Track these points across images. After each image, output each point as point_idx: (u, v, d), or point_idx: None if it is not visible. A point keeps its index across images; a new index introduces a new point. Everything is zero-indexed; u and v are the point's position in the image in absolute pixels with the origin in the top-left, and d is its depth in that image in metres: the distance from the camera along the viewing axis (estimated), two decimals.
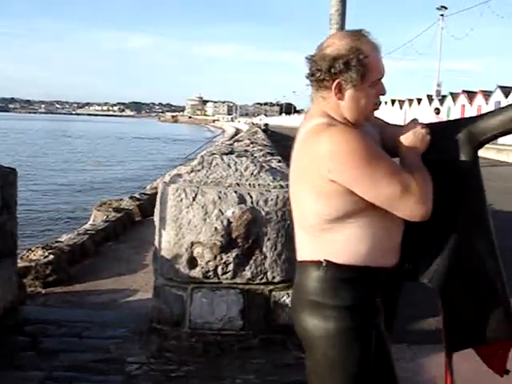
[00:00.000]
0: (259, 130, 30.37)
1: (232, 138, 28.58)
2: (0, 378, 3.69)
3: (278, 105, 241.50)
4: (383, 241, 1.96)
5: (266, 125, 54.18)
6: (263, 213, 4.15)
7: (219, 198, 4.12)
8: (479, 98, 46.08)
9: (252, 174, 4.27)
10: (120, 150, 49.27)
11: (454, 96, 50.11)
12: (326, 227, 1.95)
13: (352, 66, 1.91)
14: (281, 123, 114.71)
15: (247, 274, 4.20)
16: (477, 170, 2.14)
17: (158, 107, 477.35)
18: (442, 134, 2.13)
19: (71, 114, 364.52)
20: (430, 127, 2.11)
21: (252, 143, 11.59)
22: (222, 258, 4.16)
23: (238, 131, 41.21)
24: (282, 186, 4.25)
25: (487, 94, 44.74)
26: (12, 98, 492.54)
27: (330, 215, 1.92)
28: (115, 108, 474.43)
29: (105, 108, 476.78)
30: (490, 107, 42.79)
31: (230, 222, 4.11)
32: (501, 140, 3.19)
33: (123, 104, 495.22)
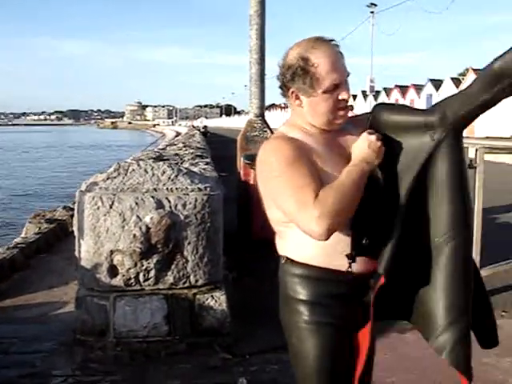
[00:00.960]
0: (198, 132, 30.26)
1: (171, 141, 28.36)
2: None
3: (218, 106, 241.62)
4: (327, 245, 1.94)
5: (205, 127, 54.07)
6: (182, 217, 4.14)
7: (136, 204, 4.08)
8: (411, 92, 47.26)
9: (169, 178, 4.24)
10: (51, 159, 48.13)
11: (388, 91, 51.25)
12: (281, 228, 2.05)
13: (298, 76, 1.95)
14: (221, 125, 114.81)
15: (169, 279, 4.18)
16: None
17: (96, 114, 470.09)
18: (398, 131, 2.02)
19: (7, 124, 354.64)
20: (385, 136, 2.00)
21: (185, 146, 11.56)
22: (142, 265, 4.12)
23: (178, 135, 41.00)
24: (200, 189, 4.24)
25: (419, 88, 45.93)
26: None
27: (280, 218, 2.00)
28: (52, 117, 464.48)
29: (42, 117, 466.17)
30: (422, 100, 43.95)
31: (148, 228, 4.08)
32: None
33: (61, 112, 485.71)
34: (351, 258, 1.98)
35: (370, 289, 1.99)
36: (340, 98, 1.98)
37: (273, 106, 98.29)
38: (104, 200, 4.09)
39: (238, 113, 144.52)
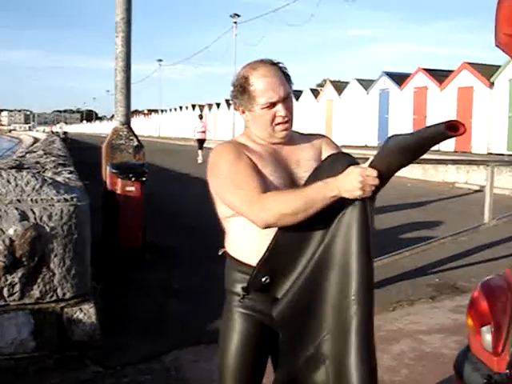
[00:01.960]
0: (58, 138, 29.14)
1: (29, 148, 27.06)
2: None
3: (78, 112, 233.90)
4: (255, 242, 2.14)
5: (66, 133, 52.33)
6: (48, 228, 4.03)
7: None
8: None
9: (34, 188, 4.11)
10: None
11: None
12: (224, 223, 2.27)
13: (240, 93, 2.20)
14: (82, 130, 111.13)
15: (36, 293, 4.05)
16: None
17: None
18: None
19: None
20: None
21: (46, 154, 11.12)
22: (7, 279, 3.96)
23: (36, 140, 39.17)
24: (66, 200, 4.14)
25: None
26: None
27: (222, 214, 2.24)
28: None
29: None
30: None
31: (12, 241, 3.93)
32: None
33: None
34: (246, 291, 2.16)
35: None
36: (277, 114, 2.18)
37: (136, 112, 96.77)
38: None
39: (100, 118, 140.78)
